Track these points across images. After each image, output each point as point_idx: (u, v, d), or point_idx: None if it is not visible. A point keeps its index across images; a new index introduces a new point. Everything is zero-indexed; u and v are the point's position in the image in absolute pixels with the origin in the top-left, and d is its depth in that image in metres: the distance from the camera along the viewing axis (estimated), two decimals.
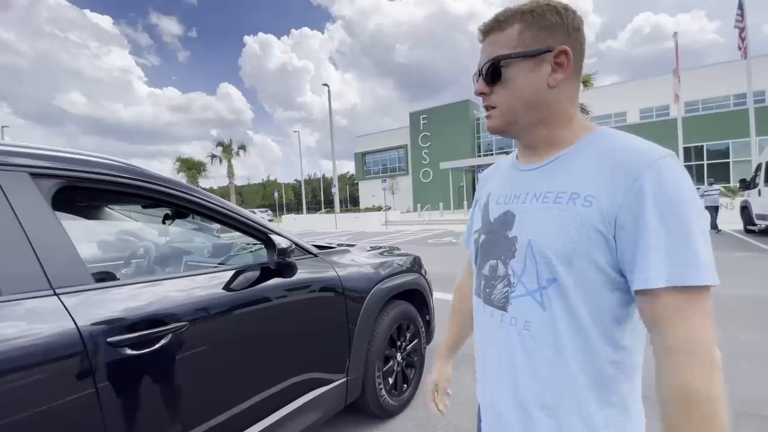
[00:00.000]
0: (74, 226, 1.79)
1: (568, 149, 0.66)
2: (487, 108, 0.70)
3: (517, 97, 0.66)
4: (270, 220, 30.85)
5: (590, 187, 0.60)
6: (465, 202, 25.84)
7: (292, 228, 22.58)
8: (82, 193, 1.50)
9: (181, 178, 31.47)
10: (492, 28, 0.67)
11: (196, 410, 1.31)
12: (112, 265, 2.12)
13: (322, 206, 37.49)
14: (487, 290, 0.72)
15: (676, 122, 15.70)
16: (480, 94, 0.71)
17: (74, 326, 1.01)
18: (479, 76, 0.70)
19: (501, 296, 0.69)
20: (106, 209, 2.19)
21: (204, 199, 1.53)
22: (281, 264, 1.57)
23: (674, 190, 0.54)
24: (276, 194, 30.17)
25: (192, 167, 31.34)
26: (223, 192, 36.66)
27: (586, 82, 13.99)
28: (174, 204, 1.48)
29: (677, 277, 0.52)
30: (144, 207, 2.07)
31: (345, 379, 1.92)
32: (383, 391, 2.15)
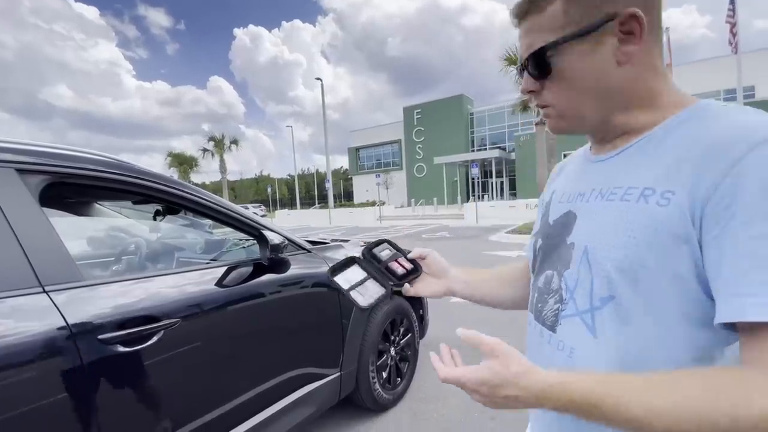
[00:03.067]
0: (63, 222, 1.77)
1: (651, 132, 0.51)
2: (541, 107, 0.57)
3: (577, 90, 0.52)
4: (263, 216, 30.57)
5: (670, 180, 0.45)
6: (459, 197, 25.93)
7: (286, 223, 22.51)
8: (71, 189, 1.48)
9: (173, 173, 31.05)
10: (527, 11, 0.53)
11: (188, 407, 1.32)
12: (102, 262, 2.10)
13: (316, 201, 37.40)
14: (539, 305, 0.61)
15: None
16: (528, 92, 0.57)
17: (64, 323, 1.00)
18: (523, 70, 0.55)
19: (551, 314, 0.58)
20: (96, 205, 2.16)
21: (195, 195, 1.51)
22: (274, 260, 1.57)
23: None
24: (269, 189, 29.97)
25: (183, 162, 30.93)
26: (216, 187, 36.36)
27: None
28: (164, 200, 1.46)
29: None
30: (134, 203, 2.05)
31: (339, 373, 1.94)
32: (377, 385, 2.17)
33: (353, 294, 0.72)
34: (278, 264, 1.67)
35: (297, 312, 1.75)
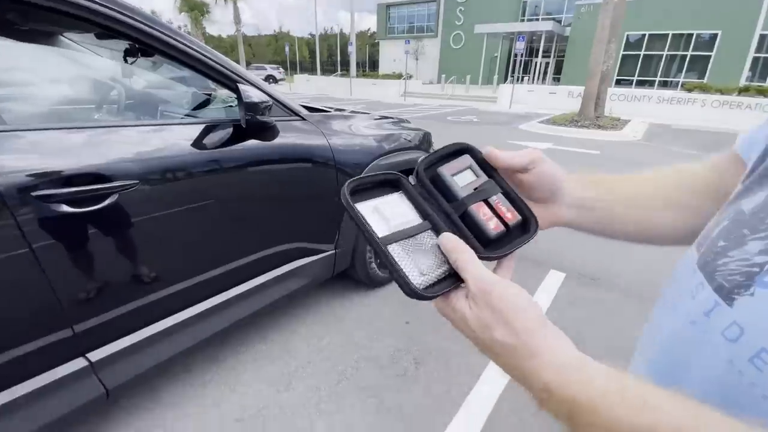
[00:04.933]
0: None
1: None
2: None
3: None
4: (281, 80, 28.91)
5: None
6: (495, 77, 23.38)
7: (305, 91, 21.25)
8: (13, 10, 1.17)
9: (183, 18, 28.26)
10: None
11: (156, 274, 1.26)
12: (58, 108, 1.86)
13: (338, 68, 34.45)
14: (716, 249, 0.32)
15: None
16: None
17: None
18: None
19: (736, 272, 0.29)
20: (61, 38, 1.82)
21: (161, 32, 1.20)
22: (254, 123, 1.31)
23: None
24: (287, 48, 27.19)
25: (194, 8, 27.75)
26: (231, 41, 33.31)
27: None
28: (125, 34, 1.16)
29: None
30: (98, 37, 1.69)
31: (334, 251, 1.88)
32: (373, 264, 2.16)
33: (395, 253, 0.33)
34: (262, 128, 1.41)
35: (284, 186, 1.57)
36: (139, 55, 1.78)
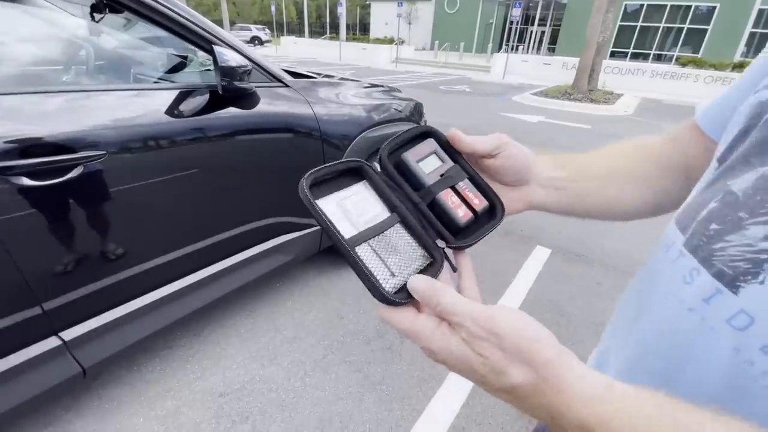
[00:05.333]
0: None
1: None
2: None
3: None
4: (268, 41, 27.45)
5: None
6: (490, 45, 22.71)
7: (292, 54, 20.30)
8: None
9: None
10: None
11: (116, 253, 1.20)
12: (17, 70, 1.70)
13: (327, 30, 32.82)
14: (709, 232, 0.29)
15: None
16: None
17: None
18: None
19: (738, 258, 0.27)
20: None
21: None
22: (231, 89, 1.21)
23: None
24: (273, 8, 25.61)
25: None
26: (214, 0, 31.25)
27: None
28: None
29: None
30: None
31: (320, 226, 1.83)
32: None
33: (364, 255, 0.30)
34: (241, 96, 1.31)
35: (268, 158, 1.50)
36: (107, 11, 1.62)
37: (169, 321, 1.32)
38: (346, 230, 0.30)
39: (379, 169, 0.36)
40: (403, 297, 0.29)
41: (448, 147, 0.37)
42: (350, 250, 0.29)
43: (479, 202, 0.36)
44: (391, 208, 0.34)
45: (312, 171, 0.31)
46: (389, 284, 0.29)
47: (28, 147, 0.90)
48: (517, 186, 0.40)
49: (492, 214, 0.37)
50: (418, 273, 0.31)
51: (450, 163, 0.37)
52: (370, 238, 0.31)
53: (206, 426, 1.30)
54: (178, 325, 1.41)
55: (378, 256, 0.31)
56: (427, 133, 0.38)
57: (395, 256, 0.31)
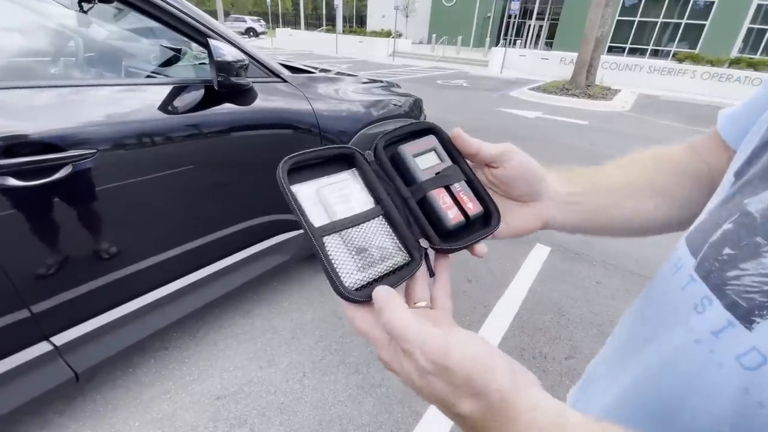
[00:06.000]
0: None
1: None
2: None
3: None
4: (263, 33, 27.08)
5: None
6: (487, 40, 22.59)
7: (288, 46, 20.04)
8: None
9: None
10: None
11: (107, 255, 1.16)
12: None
13: (323, 22, 32.41)
14: (722, 258, 0.27)
15: None
16: None
17: None
18: None
19: (754, 289, 0.24)
20: None
21: None
22: (228, 84, 1.17)
23: None
24: None
25: None
26: None
27: None
28: None
29: None
30: None
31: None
32: None
33: (331, 246, 0.28)
34: (237, 91, 1.27)
35: (265, 155, 1.45)
36: (96, 1, 1.56)
37: (163, 324, 1.28)
38: (318, 218, 0.29)
39: (372, 159, 0.34)
40: (363, 295, 0.27)
41: (449, 147, 0.36)
42: (314, 238, 0.27)
43: (473, 207, 0.33)
44: (377, 200, 0.32)
45: (295, 154, 0.29)
46: (352, 279, 0.28)
47: (13, 145, 0.86)
48: (529, 202, 0.38)
49: (486, 222, 0.34)
50: (392, 272, 0.30)
51: (449, 163, 0.35)
52: (342, 229, 0.29)
53: (203, 430, 1.27)
54: (174, 326, 1.38)
55: (347, 248, 0.29)
56: (429, 130, 0.36)
57: (368, 251, 0.29)
